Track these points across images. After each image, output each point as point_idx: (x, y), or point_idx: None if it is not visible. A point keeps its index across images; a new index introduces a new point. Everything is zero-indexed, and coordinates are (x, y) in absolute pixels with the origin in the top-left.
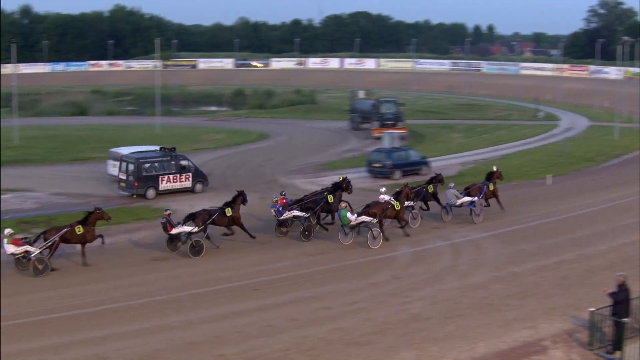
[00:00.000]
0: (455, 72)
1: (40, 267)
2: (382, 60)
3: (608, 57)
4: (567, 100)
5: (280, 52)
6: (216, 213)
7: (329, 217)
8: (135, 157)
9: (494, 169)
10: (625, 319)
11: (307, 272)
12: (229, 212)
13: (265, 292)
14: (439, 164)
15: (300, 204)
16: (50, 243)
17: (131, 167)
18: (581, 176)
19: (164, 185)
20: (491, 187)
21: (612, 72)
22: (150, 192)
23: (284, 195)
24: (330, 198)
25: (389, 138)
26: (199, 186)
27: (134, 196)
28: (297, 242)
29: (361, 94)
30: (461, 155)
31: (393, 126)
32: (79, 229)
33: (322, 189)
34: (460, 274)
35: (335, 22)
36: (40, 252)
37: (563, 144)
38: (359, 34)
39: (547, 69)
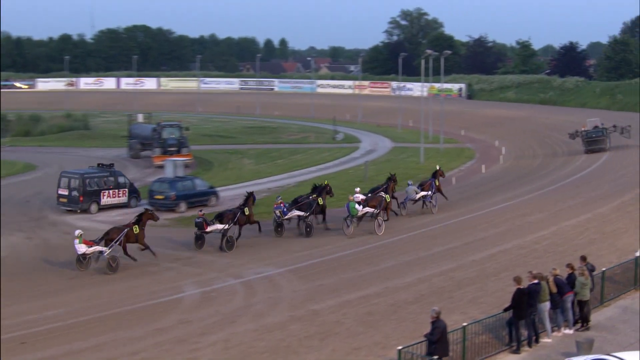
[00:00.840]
0: (245, 92)
1: (113, 264)
2: (164, 79)
3: (412, 73)
4: (369, 120)
5: (47, 72)
6: (238, 213)
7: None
8: (79, 172)
9: (437, 167)
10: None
11: (84, 320)
12: (246, 211)
13: (34, 345)
14: (229, 193)
15: (297, 205)
16: (117, 242)
17: (75, 182)
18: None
19: (105, 200)
20: (437, 183)
21: (416, 89)
22: (94, 207)
23: (281, 200)
24: (321, 200)
25: (172, 166)
26: (133, 201)
27: (79, 211)
28: (70, 288)
29: (140, 117)
30: (254, 183)
31: (176, 153)
32: (136, 229)
33: (308, 194)
34: (255, 314)
35: (109, 37)
36: (111, 251)
37: (364, 168)
38: (137, 50)
39: (345, 87)
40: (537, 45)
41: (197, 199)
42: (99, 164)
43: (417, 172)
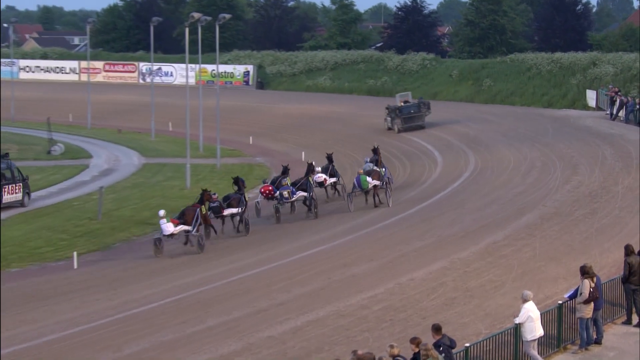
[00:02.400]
0: None
1: (203, 243)
2: None
3: (171, 48)
4: (104, 123)
5: None
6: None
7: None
8: None
9: (376, 145)
10: None
11: None
12: (246, 197)
13: None
14: None
15: (297, 187)
16: (198, 221)
17: None
18: (134, 250)
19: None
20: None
21: (178, 73)
22: None
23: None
24: (311, 180)
25: None
26: (27, 199)
27: None
28: None
29: None
30: None
31: None
32: (203, 209)
33: (302, 178)
34: None
35: None
36: (197, 230)
37: (99, 198)
38: None
39: (66, 70)
40: (363, 4)
41: None
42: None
43: (182, 201)
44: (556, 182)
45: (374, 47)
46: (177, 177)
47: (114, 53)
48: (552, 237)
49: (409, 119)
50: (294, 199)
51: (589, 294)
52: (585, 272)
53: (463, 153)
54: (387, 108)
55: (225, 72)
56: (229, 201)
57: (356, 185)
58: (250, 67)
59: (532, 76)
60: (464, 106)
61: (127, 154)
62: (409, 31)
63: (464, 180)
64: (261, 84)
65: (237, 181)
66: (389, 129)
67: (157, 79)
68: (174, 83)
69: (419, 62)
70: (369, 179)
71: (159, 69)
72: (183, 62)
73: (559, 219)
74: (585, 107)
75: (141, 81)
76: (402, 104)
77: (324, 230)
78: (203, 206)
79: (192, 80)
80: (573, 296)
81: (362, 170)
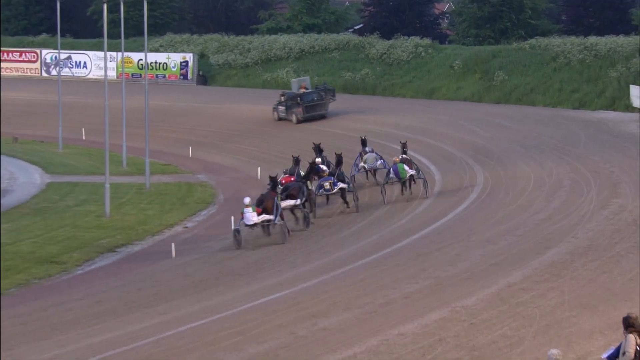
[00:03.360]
0: None
1: (288, 231)
2: None
3: (85, 31)
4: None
5: None
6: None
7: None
8: None
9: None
10: None
11: None
12: (309, 185)
13: None
14: None
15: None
16: (281, 210)
17: None
18: (36, 297)
19: None
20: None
21: (94, 64)
22: None
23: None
24: (309, 185)
25: None
26: None
27: None
28: None
29: None
30: None
31: None
32: (279, 198)
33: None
34: None
35: None
36: (281, 219)
37: None
38: None
39: None
40: None
41: None
42: None
43: (100, 232)
44: (590, 206)
45: (351, 29)
46: (92, 200)
47: (7, 37)
48: (586, 279)
49: (311, 108)
50: (334, 190)
51: (635, 354)
52: (630, 324)
53: (468, 168)
54: (282, 95)
55: (156, 63)
56: (287, 191)
57: (393, 174)
58: (189, 56)
59: (558, 67)
60: (469, 107)
61: (26, 170)
62: (397, 9)
63: (469, 204)
64: (204, 78)
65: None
66: (281, 119)
67: (65, 72)
68: (89, 77)
69: (411, 50)
70: (406, 167)
71: (68, 58)
72: (100, 49)
73: (594, 255)
74: (629, 108)
75: (45, 74)
76: (304, 90)
77: (287, 269)
78: (278, 194)
79: (112, 74)
80: (613, 356)
81: (397, 159)
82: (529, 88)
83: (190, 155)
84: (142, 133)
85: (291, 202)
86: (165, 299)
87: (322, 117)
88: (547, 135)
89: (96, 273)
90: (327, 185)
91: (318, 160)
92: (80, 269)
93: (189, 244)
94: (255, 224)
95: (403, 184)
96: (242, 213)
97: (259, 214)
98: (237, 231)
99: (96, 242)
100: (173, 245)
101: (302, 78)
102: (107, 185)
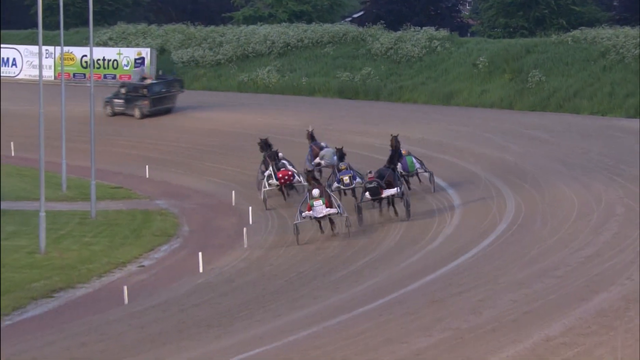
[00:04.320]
0: None
1: (350, 226)
2: None
3: (18, 21)
4: None
5: None
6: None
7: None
8: None
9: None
10: None
11: None
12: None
13: None
14: None
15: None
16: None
17: None
18: None
19: None
20: None
21: (26, 62)
22: None
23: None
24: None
25: None
26: None
27: None
28: None
29: None
30: None
31: None
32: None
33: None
34: None
35: None
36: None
37: None
38: None
39: None
40: None
41: None
42: None
43: (33, 273)
44: None
45: (349, 18)
46: (23, 233)
47: None
48: None
49: (159, 101)
50: (354, 185)
51: None
52: None
53: (496, 192)
54: (123, 86)
55: (104, 60)
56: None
57: (402, 169)
58: (145, 51)
59: (609, 66)
60: (497, 115)
61: None
62: None
63: (497, 237)
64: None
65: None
66: (116, 114)
67: None
68: (19, 77)
69: (424, 44)
70: (415, 160)
71: None
72: (34, 42)
73: None
74: None
75: None
76: (150, 81)
77: (269, 318)
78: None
79: (49, 73)
80: None
81: (406, 151)
82: (571, 92)
83: (148, 176)
84: (87, 148)
85: (392, 191)
86: (115, 356)
87: (169, 111)
88: (594, 151)
89: (28, 324)
90: (346, 179)
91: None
92: (8, 319)
93: (146, 288)
94: (324, 217)
95: (387, 202)
96: (312, 206)
97: (327, 207)
98: (297, 227)
99: (28, 285)
100: (125, 288)
101: (142, 67)
102: (42, 214)
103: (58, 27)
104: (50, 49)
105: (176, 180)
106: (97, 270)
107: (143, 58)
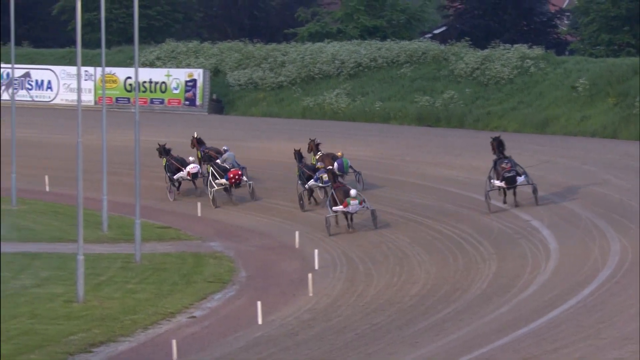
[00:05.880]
0: None
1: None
2: None
3: (48, 38)
4: None
5: None
6: None
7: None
8: None
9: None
10: None
11: None
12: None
13: None
14: None
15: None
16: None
17: None
18: None
19: None
20: None
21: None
22: None
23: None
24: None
25: None
26: None
27: None
28: None
29: None
30: None
31: None
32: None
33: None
34: None
35: None
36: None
37: None
38: None
39: None
40: None
41: None
42: None
43: (70, 325)
44: None
45: (429, 35)
46: (59, 279)
47: None
48: None
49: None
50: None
51: None
52: None
53: (598, 233)
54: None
55: (151, 82)
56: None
57: (337, 169)
58: (197, 73)
59: None
60: (599, 144)
61: None
62: (496, 5)
63: (599, 285)
64: (218, 104)
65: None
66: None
67: (21, 95)
68: (54, 102)
69: (515, 64)
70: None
71: (26, 75)
72: (72, 63)
73: None
74: None
75: None
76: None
77: None
78: None
79: (88, 97)
80: None
81: (341, 153)
82: None
83: (200, 214)
84: (131, 182)
85: (522, 179)
86: None
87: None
88: None
89: None
90: (325, 177)
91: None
92: None
93: (197, 342)
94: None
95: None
96: (348, 204)
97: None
98: (328, 220)
99: (64, 338)
100: (174, 343)
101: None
102: (81, 257)
103: (99, 46)
104: (90, 70)
105: (231, 219)
106: (142, 321)
107: (195, 80)
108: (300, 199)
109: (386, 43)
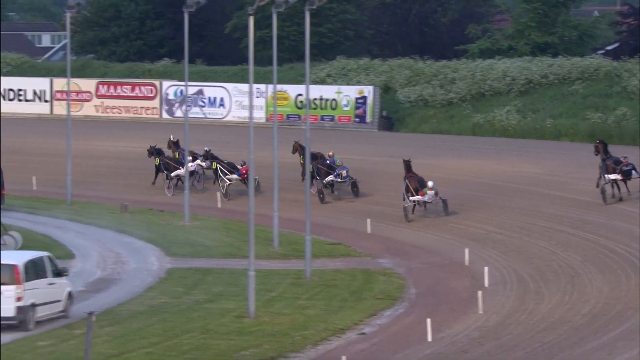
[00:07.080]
0: None
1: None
2: None
3: (219, 53)
4: (96, 192)
5: None
6: None
7: None
8: None
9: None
10: None
11: None
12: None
13: None
14: None
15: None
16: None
17: None
18: None
19: None
20: None
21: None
22: None
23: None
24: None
25: None
26: None
27: None
28: None
29: None
30: None
31: None
32: None
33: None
34: None
35: None
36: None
37: (86, 334)
38: None
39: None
40: None
41: None
42: None
43: (242, 342)
44: None
45: (602, 51)
46: (231, 294)
47: (115, 64)
48: None
49: None
50: (346, 180)
51: None
52: None
53: None
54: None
55: (322, 99)
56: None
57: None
58: (367, 90)
59: None
60: None
61: (139, 250)
62: None
63: None
64: (389, 121)
65: None
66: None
67: (195, 112)
68: (227, 119)
69: None
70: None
71: (199, 93)
72: (244, 80)
73: None
74: None
75: (166, 115)
76: None
77: None
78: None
79: (260, 114)
80: None
81: (332, 153)
82: None
83: (369, 231)
84: (301, 199)
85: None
86: None
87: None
88: None
89: None
90: (344, 173)
91: None
92: None
93: (367, 359)
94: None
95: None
96: (425, 193)
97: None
98: (406, 208)
99: (235, 353)
100: (344, 359)
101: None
102: (252, 273)
103: (271, 63)
104: (262, 87)
105: (401, 235)
106: (312, 337)
107: (365, 97)
108: (321, 192)
109: (557, 60)
